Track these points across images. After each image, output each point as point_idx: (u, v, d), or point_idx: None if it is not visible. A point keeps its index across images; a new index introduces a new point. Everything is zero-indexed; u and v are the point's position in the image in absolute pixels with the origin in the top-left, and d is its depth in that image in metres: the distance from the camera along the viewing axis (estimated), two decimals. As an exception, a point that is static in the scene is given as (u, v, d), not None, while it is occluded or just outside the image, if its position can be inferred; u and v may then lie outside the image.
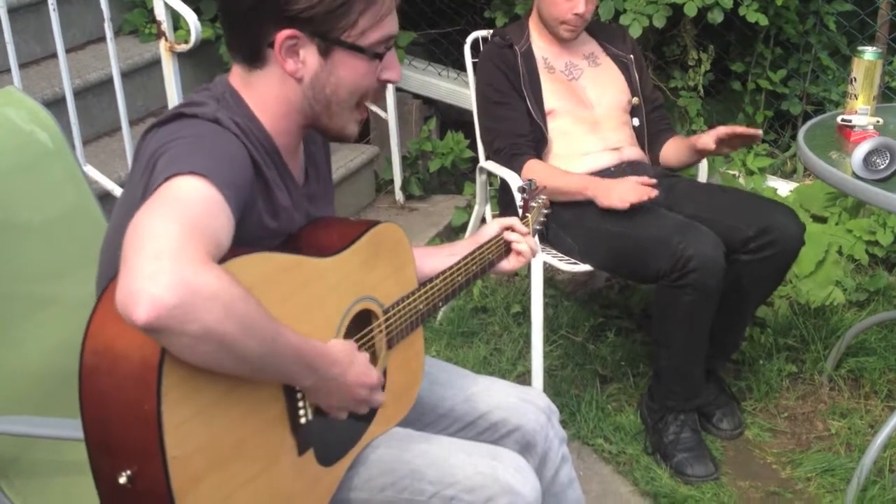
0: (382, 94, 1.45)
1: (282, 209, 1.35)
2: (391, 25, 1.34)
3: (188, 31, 2.49)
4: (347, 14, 1.28)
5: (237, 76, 1.35)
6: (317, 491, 1.34)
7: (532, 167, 2.47)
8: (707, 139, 2.42)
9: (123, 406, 1.08)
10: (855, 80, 2.32)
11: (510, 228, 1.71)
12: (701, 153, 2.52)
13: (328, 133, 1.40)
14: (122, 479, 1.09)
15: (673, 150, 2.63)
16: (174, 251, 1.03)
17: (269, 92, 1.33)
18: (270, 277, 1.21)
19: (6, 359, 1.61)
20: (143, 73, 3.42)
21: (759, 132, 2.39)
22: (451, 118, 4.05)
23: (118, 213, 1.33)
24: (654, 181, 2.36)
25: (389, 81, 1.39)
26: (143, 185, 1.20)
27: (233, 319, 1.05)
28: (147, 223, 1.07)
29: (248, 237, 1.23)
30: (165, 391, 1.07)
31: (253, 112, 1.33)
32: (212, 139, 1.23)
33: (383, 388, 1.41)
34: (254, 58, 1.32)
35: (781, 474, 2.40)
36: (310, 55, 1.30)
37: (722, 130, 2.40)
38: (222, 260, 1.12)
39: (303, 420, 1.27)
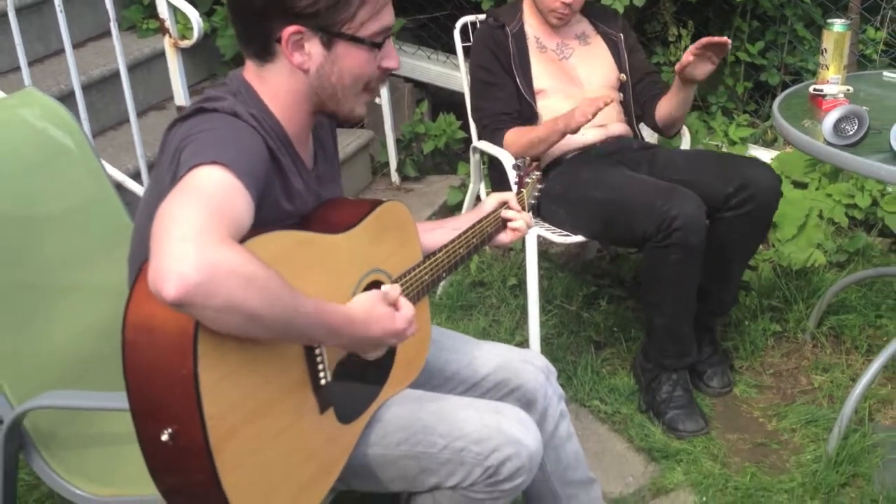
0: (385, 82, 1.57)
1: (296, 193, 1.47)
2: (388, 17, 1.46)
3: (189, 27, 2.59)
4: (347, 8, 1.40)
5: (250, 71, 1.47)
6: (337, 446, 1.47)
7: (509, 135, 2.59)
8: (684, 57, 2.50)
9: (163, 371, 1.20)
10: (825, 51, 2.44)
11: (507, 204, 1.84)
12: (686, 78, 2.56)
13: (337, 116, 1.52)
14: (165, 437, 1.21)
15: (665, 100, 2.70)
16: (198, 233, 1.15)
17: (279, 84, 1.45)
18: (287, 253, 1.34)
19: (36, 344, 1.73)
20: (144, 68, 3.53)
21: (726, 39, 2.45)
22: (443, 100, 4.16)
23: (147, 201, 1.44)
24: (609, 97, 2.41)
25: (389, 69, 1.51)
26: (170, 175, 1.31)
27: (254, 292, 1.17)
28: (173, 209, 1.19)
29: (266, 220, 1.34)
30: (201, 355, 1.19)
31: (266, 104, 1.45)
32: (231, 131, 1.35)
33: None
34: (264, 53, 1.44)
35: (768, 427, 2.54)
36: (314, 48, 1.42)
37: (692, 46, 2.48)
38: (243, 240, 1.23)
39: (322, 381, 1.40)
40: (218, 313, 1.15)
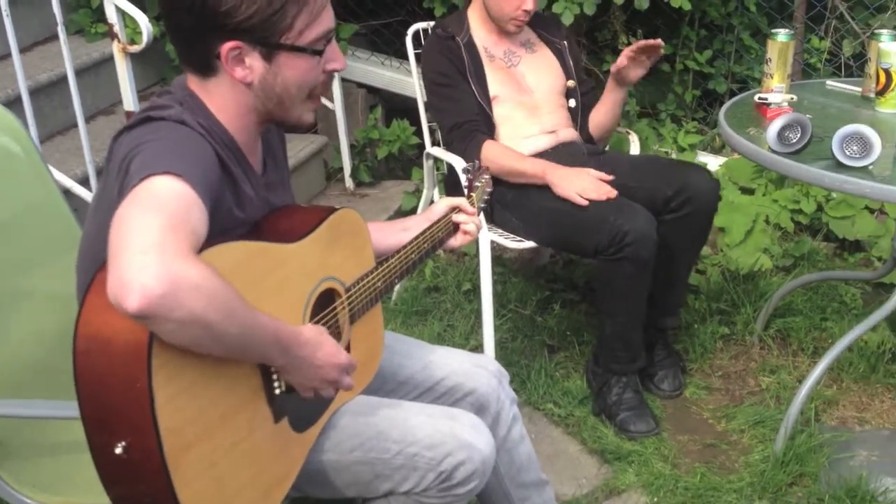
0: (331, 84, 1.56)
1: (247, 200, 1.46)
2: (327, 21, 1.44)
3: (138, 32, 2.56)
4: (283, 19, 1.38)
5: (193, 83, 1.45)
6: (292, 454, 1.47)
7: (490, 147, 2.59)
8: (619, 60, 2.59)
9: (117, 384, 1.19)
10: (770, 60, 2.49)
11: (458, 208, 1.85)
12: (620, 79, 2.65)
13: (286, 124, 1.51)
14: (118, 450, 1.19)
15: (597, 106, 2.77)
16: (159, 245, 1.14)
17: (224, 97, 1.43)
18: (241, 264, 1.33)
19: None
20: (92, 73, 3.48)
21: (660, 41, 2.55)
22: (396, 106, 4.16)
23: (94, 214, 1.43)
24: (611, 177, 2.49)
25: (335, 71, 1.50)
26: (117, 186, 1.29)
27: (214, 307, 1.17)
28: (131, 220, 1.17)
29: (218, 228, 1.32)
30: (155, 370, 1.18)
31: (213, 113, 1.44)
32: (181, 140, 1.33)
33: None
34: (204, 69, 1.42)
35: (717, 428, 2.58)
36: (255, 61, 1.40)
37: (628, 49, 2.58)
38: (198, 251, 1.23)
39: (277, 391, 1.40)
40: (178, 326, 1.15)
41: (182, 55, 1.44)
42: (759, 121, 2.38)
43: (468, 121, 2.63)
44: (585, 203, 2.43)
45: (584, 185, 2.46)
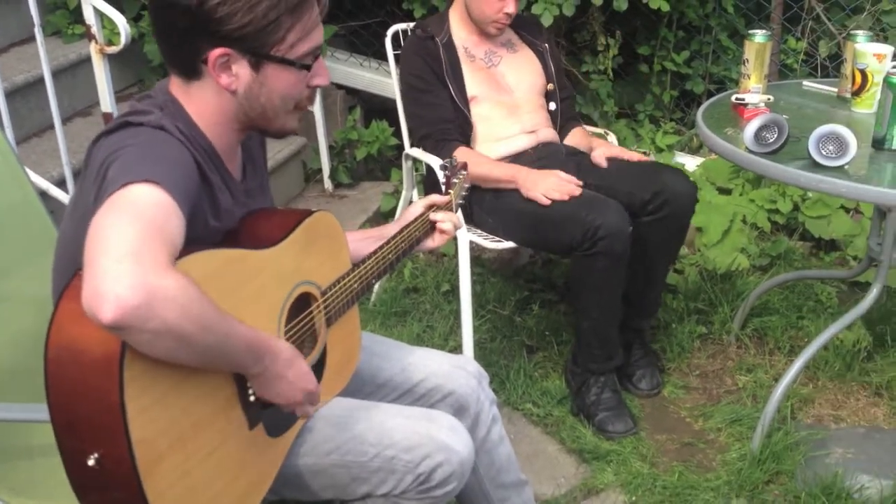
0: (314, 97, 1.56)
1: (224, 210, 1.45)
2: (317, 37, 1.45)
3: (116, 33, 2.55)
4: (276, 31, 1.38)
5: (176, 86, 1.44)
6: (268, 459, 1.46)
7: (461, 155, 2.60)
8: (599, 160, 2.66)
9: (89, 396, 1.18)
10: (747, 61, 2.51)
11: (434, 206, 1.85)
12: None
13: (268, 133, 1.51)
14: (91, 462, 1.18)
15: (573, 137, 2.83)
16: (135, 254, 1.13)
17: (206, 102, 1.42)
18: (217, 272, 1.32)
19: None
20: (69, 74, 3.46)
21: (646, 156, 2.67)
22: (375, 107, 4.16)
23: (71, 217, 1.41)
24: (578, 182, 2.52)
25: (318, 87, 1.50)
26: (94, 191, 1.28)
27: (189, 318, 1.16)
28: (107, 228, 1.16)
29: (194, 236, 1.31)
30: (128, 382, 1.16)
31: (193, 119, 1.43)
32: (160, 146, 1.32)
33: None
34: (189, 72, 1.41)
35: (695, 426, 2.60)
36: (242, 70, 1.40)
37: (615, 153, 2.67)
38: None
39: (252, 398, 1.39)
40: (153, 336, 1.14)
41: (167, 55, 1.43)
42: (736, 121, 2.40)
43: (438, 129, 2.64)
44: (548, 202, 2.46)
45: (547, 186, 2.49)
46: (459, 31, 2.74)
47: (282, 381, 1.37)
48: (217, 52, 1.37)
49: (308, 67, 1.44)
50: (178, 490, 1.25)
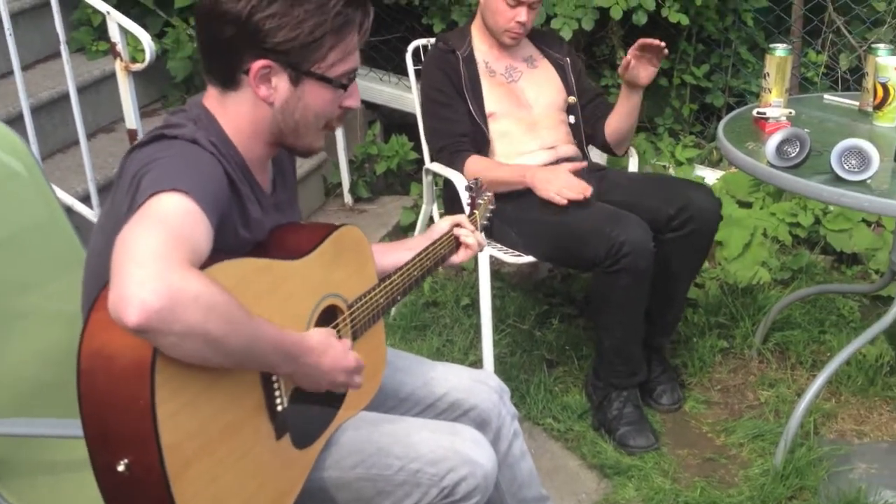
0: (344, 118, 1.59)
1: (254, 221, 1.48)
2: (355, 60, 1.48)
3: (140, 49, 2.58)
4: (319, 49, 1.41)
5: (211, 97, 1.47)
6: (293, 471, 1.47)
7: (472, 163, 2.62)
8: (624, 60, 2.58)
9: (120, 401, 1.19)
10: (768, 75, 2.52)
11: (459, 225, 1.86)
12: (630, 83, 2.63)
13: (295, 150, 1.54)
14: (121, 468, 1.20)
15: (613, 114, 2.76)
16: (158, 259, 1.15)
17: (241, 113, 1.45)
18: (245, 280, 1.34)
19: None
20: (92, 90, 3.50)
21: (660, 42, 2.55)
22: (394, 122, 4.18)
23: (102, 230, 1.43)
24: (583, 165, 2.52)
25: (350, 108, 1.53)
26: (127, 202, 1.30)
27: (214, 318, 1.18)
28: (133, 236, 1.19)
29: (223, 247, 1.34)
30: (158, 386, 1.18)
31: (226, 132, 1.45)
32: (192, 158, 1.35)
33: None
34: (229, 82, 1.44)
35: (716, 442, 2.59)
36: (281, 83, 1.43)
37: (631, 48, 2.57)
38: (202, 267, 1.24)
39: (279, 408, 1.40)
40: (179, 339, 1.16)
41: (208, 65, 1.46)
42: (757, 135, 2.39)
43: (453, 142, 2.65)
44: (564, 202, 2.45)
45: (560, 185, 2.48)
46: (480, 44, 2.76)
47: (318, 372, 1.38)
48: (260, 63, 1.40)
49: (344, 87, 1.48)
50: (205, 497, 1.26)
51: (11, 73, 2.75)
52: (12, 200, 1.88)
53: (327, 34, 1.40)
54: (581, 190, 2.47)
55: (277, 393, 1.40)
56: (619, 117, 2.74)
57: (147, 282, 1.13)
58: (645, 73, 2.60)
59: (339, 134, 3.85)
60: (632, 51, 2.57)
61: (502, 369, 2.82)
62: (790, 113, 2.48)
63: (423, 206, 3.05)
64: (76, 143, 2.79)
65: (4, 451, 1.67)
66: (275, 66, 1.41)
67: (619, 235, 2.34)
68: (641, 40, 2.56)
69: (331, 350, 1.40)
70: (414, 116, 2.98)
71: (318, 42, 1.40)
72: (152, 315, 1.12)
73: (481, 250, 1.91)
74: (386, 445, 1.56)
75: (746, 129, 2.46)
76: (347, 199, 3.94)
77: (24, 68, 2.87)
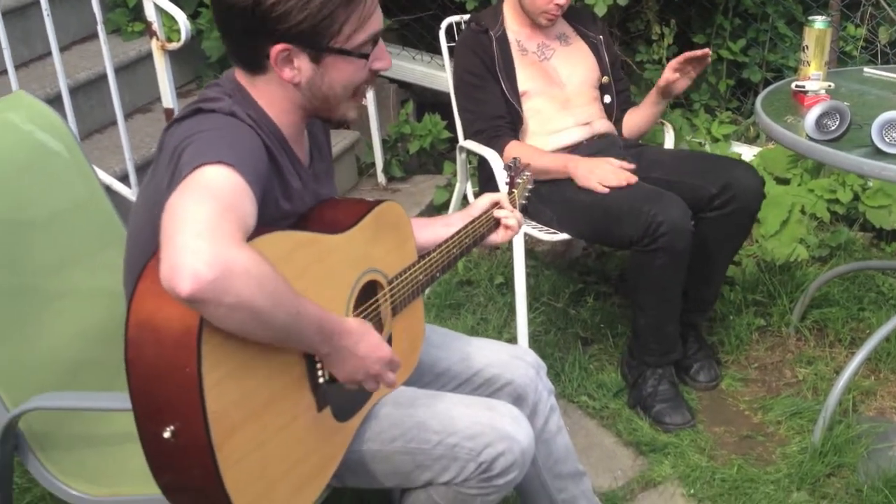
0: (374, 81, 1.59)
1: (294, 192, 1.49)
2: (375, 24, 1.47)
3: (175, 29, 2.60)
4: (331, 24, 1.41)
5: (242, 76, 1.48)
6: (334, 443, 1.49)
7: (511, 149, 2.60)
8: (665, 73, 2.58)
9: (166, 369, 1.22)
10: (807, 48, 2.47)
11: (499, 204, 1.86)
12: (666, 92, 2.65)
13: (331, 121, 1.55)
14: (167, 435, 1.22)
15: (636, 113, 2.77)
16: (212, 231, 1.17)
17: (271, 93, 1.47)
18: (289, 253, 1.35)
19: (29, 348, 1.74)
20: (129, 71, 3.53)
21: (707, 50, 2.55)
22: (427, 100, 4.17)
23: (143, 204, 1.45)
24: (632, 166, 2.51)
25: (380, 70, 1.52)
26: (168, 175, 1.32)
27: (263, 293, 1.19)
28: (184, 207, 1.20)
29: (265, 219, 1.35)
30: (205, 354, 1.20)
31: (261, 106, 1.47)
32: (231, 131, 1.36)
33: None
34: (254, 67, 1.45)
35: (753, 419, 2.57)
36: (303, 63, 1.43)
37: (674, 61, 2.57)
38: (248, 239, 1.25)
39: (321, 380, 1.42)
40: (228, 311, 1.17)
41: (232, 53, 1.47)
42: (796, 109, 2.36)
43: (491, 125, 2.64)
44: (606, 191, 2.45)
45: (604, 174, 2.48)
46: (513, 23, 2.74)
47: (353, 359, 1.39)
48: (278, 48, 1.40)
49: (366, 56, 1.47)
50: (248, 464, 1.28)
51: (49, 54, 2.78)
52: (53, 180, 1.91)
53: (337, 9, 1.40)
54: (623, 178, 2.45)
55: (319, 366, 1.41)
56: (642, 119, 2.76)
57: (200, 252, 1.14)
58: (681, 85, 2.63)
59: (372, 113, 3.85)
60: (673, 65, 2.56)
61: (537, 347, 2.82)
62: (829, 86, 2.44)
63: (457, 185, 3.05)
64: (113, 123, 2.82)
65: (47, 425, 1.71)
66: (293, 49, 1.41)
67: (658, 215, 2.33)
68: (685, 55, 2.55)
69: (368, 337, 1.40)
70: (447, 95, 2.97)
71: (330, 18, 1.40)
72: (205, 286, 1.14)
73: (520, 230, 1.90)
74: (424, 420, 1.57)
75: (785, 103, 2.43)
76: (381, 178, 3.94)
77: (61, 49, 2.90)
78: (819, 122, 2.13)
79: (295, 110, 1.49)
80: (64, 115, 2.65)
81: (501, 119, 2.64)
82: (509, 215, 1.85)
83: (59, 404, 1.66)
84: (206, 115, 1.38)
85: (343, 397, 1.49)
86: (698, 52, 2.53)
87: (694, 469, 2.34)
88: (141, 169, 2.89)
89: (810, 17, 2.46)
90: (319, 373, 1.41)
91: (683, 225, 2.35)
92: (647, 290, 2.47)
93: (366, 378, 1.42)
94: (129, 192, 2.82)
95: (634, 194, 2.42)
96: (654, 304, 2.49)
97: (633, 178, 2.46)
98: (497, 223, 1.86)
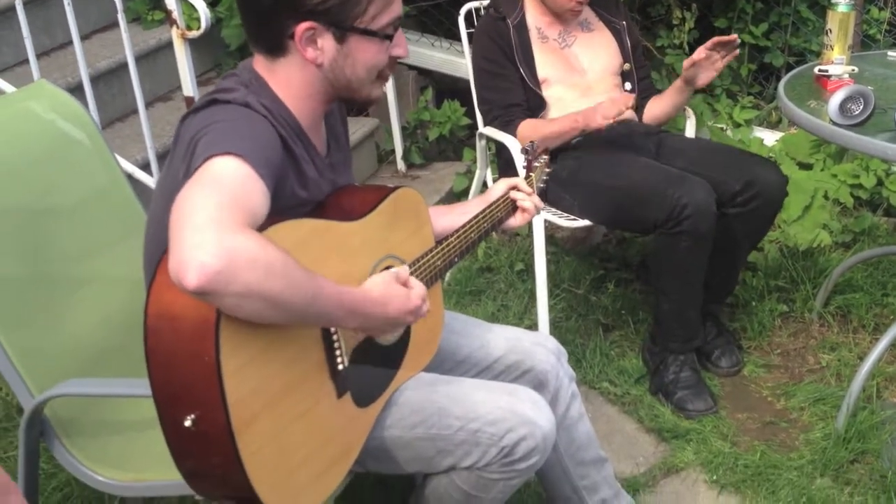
0: (395, 66, 1.59)
1: (310, 180, 1.49)
2: (397, 8, 1.48)
3: (194, 18, 2.60)
4: (358, 4, 1.42)
5: (260, 63, 1.48)
6: (355, 429, 1.50)
7: (523, 128, 2.60)
8: (696, 53, 2.54)
9: (186, 358, 1.23)
10: (830, 31, 2.45)
11: (516, 188, 1.85)
12: (690, 80, 2.62)
13: (355, 102, 1.55)
14: (188, 423, 1.23)
15: (658, 102, 2.75)
16: (215, 222, 1.17)
17: (291, 77, 1.47)
18: (304, 241, 1.36)
19: (54, 335, 1.75)
20: (149, 59, 3.54)
21: (735, 36, 2.53)
22: (446, 87, 4.16)
23: (161, 194, 1.46)
24: (631, 97, 2.46)
25: (399, 57, 1.53)
26: (184, 167, 1.33)
27: (272, 278, 1.19)
28: (189, 200, 1.21)
29: (282, 208, 1.36)
30: (223, 343, 1.21)
31: (277, 95, 1.47)
32: (245, 122, 1.36)
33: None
34: (275, 49, 1.45)
35: (776, 406, 2.56)
36: (327, 43, 1.43)
37: (700, 49, 2.54)
38: (261, 229, 1.26)
39: (340, 367, 1.42)
40: (238, 299, 1.17)
41: (253, 34, 1.47)
42: (819, 93, 2.34)
43: (505, 111, 2.63)
44: (611, 121, 2.40)
45: (603, 110, 2.42)
46: (532, 10, 2.72)
47: (387, 321, 1.41)
48: (303, 26, 1.40)
49: (390, 37, 1.47)
50: (269, 450, 1.29)
51: (70, 43, 2.79)
52: (76, 169, 1.92)
53: None
54: (622, 103, 2.40)
55: (338, 352, 1.41)
56: (664, 108, 2.73)
57: (204, 245, 1.15)
58: (706, 75, 2.60)
59: (392, 100, 3.85)
60: (703, 49, 2.53)
61: (557, 334, 2.81)
62: (853, 70, 2.41)
63: (477, 171, 3.04)
64: (134, 111, 2.83)
65: (72, 411, 1.72)
66: (318, 27, 1.41)
67: (682, 198, 2.31)
68: (716, 38, 2.52)
69: (394, 300, 1.41)
70: (466, 81, 2.96)
71: None
72: (211, 277, 1.14)
73: (538, 213, 1.90)
74: (446, 406, 1.57)
75: (808, 88, 2.41)
76: (400, 165, 3.94)
77: (82, 38, 2.91)
78: (843, 107, 2.11)
79: (314, 96, 1.49)
80: (85, 104, 2.67)
81: (517, 107, 2.63)
82: (525, 197, 1.84)
83: (84, 391, 1.67)
84: (220, 106, 1.38)
85: (363, 383, 1.50)
86: (727, 38, 2.51)
87: (716, 455, 2.33)
88: (162, 157, 2.90)
89: (833, 1, 2.43)
90: (339, 359, 1.41)
91: (708, 208, 2.33)
92: (671, 274, 2.45)
93: (404, 325, 1.48)
94: (151, 181, 2.83)
95: (657, 177, 2.41)
96: (677, 289, 2.47)
97: (630, 101, 2.40)
98: (515, 207, 1.85)
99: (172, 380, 1.25)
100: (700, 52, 2.54)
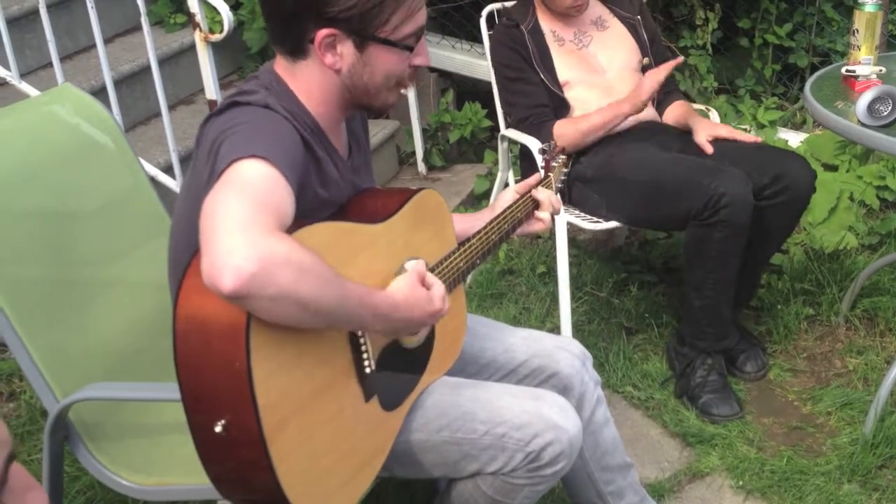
0: (415, 76, 1.58)
1: (332, 180, 1.49)
2: (421, 19, 1.47)
3: (216, 21, 2.61)
4: (380, 14, 1.41)
5: (281, 65, 1.48)
6: (382, 433, 1.49)
7: (559, 127, 2.57)
8: (703, 145, 2.54)
9: (216, 363, 1.22)
10: (857, 31, 2.42)
11: (535, 188, 1.84)
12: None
13: (371, 110, 1.54)
14: (218, 429, 1.22)
15: (673, 117, 2.74)
16: (247, 225, 1.17)
17: (311, 80, 1.46)
18: (331, 243, 1.35)
19: (78, 338, 1.76)
20: (172, 63, 3.55)
21: (758, 139, 2.56)
22: (467, 89, 4.15)
23: (185, 199, 1.46)
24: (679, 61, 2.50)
25: (419, 66, 1.52)
26: (208, 170, 1.33)
27: (304, 280, 1.19)
28: (219, 204, 1.20)
29: (304, 209, 1.35)
30: (254, 348, 1.20)
31: (298, 97, 1.47)
32: (267, 123, 1.36)
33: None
34: (296, 52, 1.45)
35: (803, 410, 2.53)
36: (347, 49, 1.43)
37: (721, 133, 2.56)
38: (289, 231, 1.25)
39: (367, 370, 1.42)
40: (271, 303, 1.17)
41: (275, 37, 1.47)
42: (846, 94, 2.31)
43: (534, 113, 2.62)
44: (654, 91, 2.47)
45: (641, 88, 2.49)
46: (544, 14, 2.70)
47: (411, 324, 1.41)
48: (323, 32, 1.40)
49: (410, 49, 1.47)
50: (299, 455, 1.28)
51: (93, 46, 2.80)
52: (100, 172, 1.93)
53: None
54: (661, 73, 2.45)
55: (365, 356, 1.41)
56: (679, 121, 2.72)
57: (238, 249, 1.14)
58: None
59: (413, 102, 3.85)
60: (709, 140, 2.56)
61: (580, 337, 2.79)
62: (881, 70, 2.38)
63: (499, 174, 3.03)
64: (157, 115, 2.84)
65: (97, 415, 1.73)
66: (339, 34, 1.41)
67: (719, 187, 2.28)
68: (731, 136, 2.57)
69: (417, 304, 1.40)
70: (487, 83, 2.95)
71: (380, 7, 1.40)
72: (246, 280, 1.14)
73: (557, 213, 1.88)
74: (471, 410, 1.56)
75: (835, 88, 2.38)
76: (421, 167, 3.94)
77: (105, 42, 2.92)
78: (871, 108, 2.08)
79: (333, 99, 1.48)
80: (108, 108, 2.69)
81: (545, 107, 2.62)
82: (545, 199, 1.83)
83: (109, 395, 1.67)
84: (241, 109, 1.38)
85: (390, 387, 1.49)
86: (746, 138, 2.56)
87: (742, 461, 2.31)
88: (185, 160, 2.91)
89: (861, 1, 2.40)
90: (366, 363, 1.40)
91: (745, 199, 2.30)
92: (704, 266, 2.40)
93: (427, 327, 1.49)
94: (174, 184, 2.84)
95: (691, 168, 2.38)
96: (711, 283, 2.42)
97: (669, 67, 2.45)
98: (535, 207, 1.84)
99: (202, 384, 1.24)
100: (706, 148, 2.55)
